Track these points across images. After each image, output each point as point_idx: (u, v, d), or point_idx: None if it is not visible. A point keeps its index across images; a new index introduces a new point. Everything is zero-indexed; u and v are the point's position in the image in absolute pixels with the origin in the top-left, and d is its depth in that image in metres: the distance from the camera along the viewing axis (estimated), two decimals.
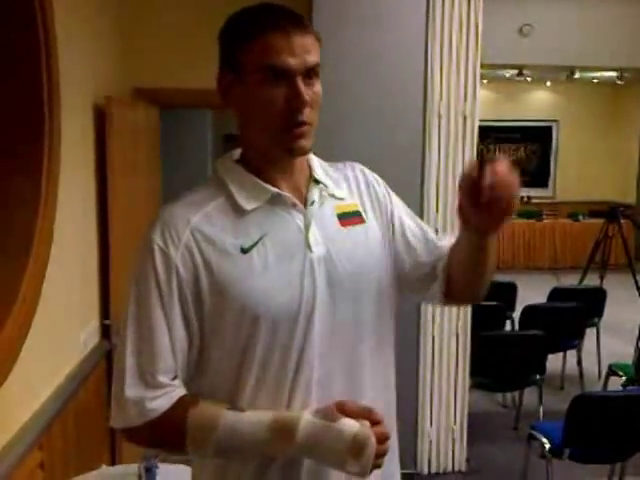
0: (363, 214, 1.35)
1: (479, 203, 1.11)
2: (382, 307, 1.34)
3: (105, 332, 3.21)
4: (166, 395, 1.19)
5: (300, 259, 1.22)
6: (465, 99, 3.85)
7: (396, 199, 1.45)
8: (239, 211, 1.22)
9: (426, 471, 4.02)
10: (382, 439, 1.17)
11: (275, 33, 1.17)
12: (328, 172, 1.35)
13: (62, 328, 2.66)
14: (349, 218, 1.32)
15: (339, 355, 1.26)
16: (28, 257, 2.22)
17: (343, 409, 1.18)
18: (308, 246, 1.24)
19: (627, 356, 5.51)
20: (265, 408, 1.20)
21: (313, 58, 1.20)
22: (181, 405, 1.20)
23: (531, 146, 13.39)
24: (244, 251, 1.19)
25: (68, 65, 2.56)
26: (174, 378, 1.21)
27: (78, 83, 2.83)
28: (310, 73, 1.20)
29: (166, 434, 1.22)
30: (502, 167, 1.12)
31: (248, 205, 1.22)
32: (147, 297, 1.19)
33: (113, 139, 3.12)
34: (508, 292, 5.77)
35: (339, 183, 1.35)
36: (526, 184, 13.27)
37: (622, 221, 8.08)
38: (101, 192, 3.15)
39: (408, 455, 3.96)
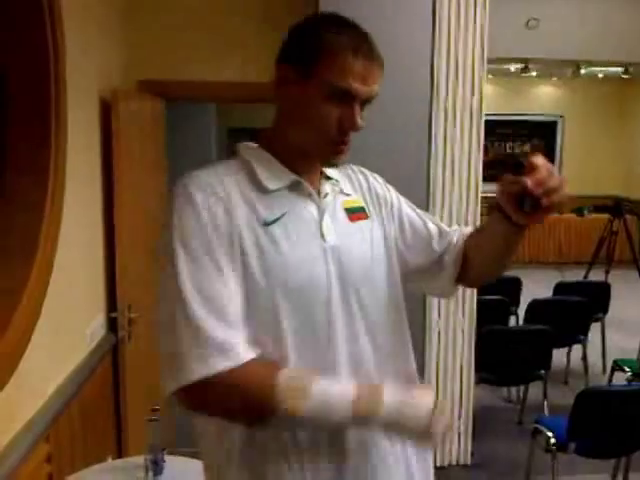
0: (367, 210, 1.41)
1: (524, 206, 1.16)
2: (390, 299, 1.37)
3: (112, 325, 3.22)
4: (244, 344, 1.16)
5: (317, 246, 1.27)
6: (472, 94, 3.84)
7: (396, 193, 1.51)
8: (261, 188, 1.26)
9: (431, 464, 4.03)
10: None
11: (355, 59, 1.21)
12: (334, 170, 1.41)
13: (68, 322, 2.67)
14: (356, 213, 1.38)
15: (362, 335, 1.29)
16: (34, 254, 2.23)
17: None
18: (322, 235, 1.28)
19: (632, 351, 5.50)
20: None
21: (378, 89, 1.26)
22: (262, 363, 1.17)
23: (536, 141, 13.36)
24: (266, 224, 1.22)
25: (75, 59, 2.56)
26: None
27: (84, 77, 2.83)
28: (366, 102, 1.27)
29: (249, 390, 1.16)
30: (544, 172, 1.16)
31: (271, 185, 1.27)
32: (202, 245, 1.17)
33: (119, 132, 3.12)
34: (513, 287, 5.76)
35: (344, 180, 1.42)
36: None
37: (627, 216, 8.07)
38: (107, 185, 3.16)
39: None
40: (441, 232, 1.50)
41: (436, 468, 4.21)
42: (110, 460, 2.67)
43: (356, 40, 1.23)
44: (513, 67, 11.34)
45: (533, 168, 1.17)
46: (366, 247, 1.35)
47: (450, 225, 1.56)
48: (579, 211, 11.59)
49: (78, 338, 2.81)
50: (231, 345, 1.14)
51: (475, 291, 3.98)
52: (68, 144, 2.47)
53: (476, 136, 3.89)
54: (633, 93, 12.87)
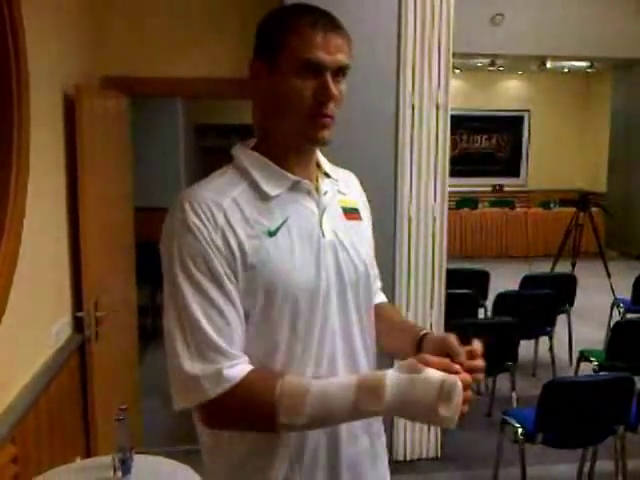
0: (359, 212, 1.48)
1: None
2: (369, 297, 1.45)
3: (78, 325, 3.18)
4: (241, 365, 1.21)
5: (316, 242, 1.31)
6: (438, 88, 3.86)
7: (369, 215, 1.56)
8: (263, 196, 1.29)
9: (402, 457, 4.06)
10: (466, 386, 1.19)
11: (314, 30, 1.26)
12: (331, 168, 1.45)
13: (33, 321, 2.63)
14: (351, 213, 1.44)
15: (355, 332, 1.36)
16: None
17: (425, 361, 1.20)
18: (321, 232, 1.33)
19: (598, 342, 5.60)
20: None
21: (345, 58, 1.29)
22: (262, 375, 1.22)
23: (503, 135, 13.51)
24: (271, 234, 1.26)
25: (36, 53, 2.52)
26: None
27: (47, 71, 2.78)
28: (339, 72, 1.28)
29: (253, 404, 1.21)
30: (477, 354, 1.28)
31: (272, 191, 1.30)
32: (201, 272, 1.21)
33: (83, 128, 3.08)
34: (481, 280, 5.82)
35: (341, 180, 1.47)
36: (498, 173, 13.41)
37: (593, 209, 8.19)
38: (71, 182, 3.11)
39: None
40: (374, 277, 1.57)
41: (406, 462, 4.25)
42: (79, 460, 2.63)
43: (314, 16, 1.28)
44: (480, 62, 11.46)
45: (473, 356, 1.27)
46: (357, 246, 1.40)
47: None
48: (546, 205, 11.78)
49: (44, 337, 2.77)
50: (221, 371, 1.19)
51: (444, 284, 4.01)
52: (31, 139, 2.44)
53: (443, 131, 3.91)
54: (598, 87, 13.07)
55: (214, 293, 1.21)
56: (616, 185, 11.81)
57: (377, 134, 3.74)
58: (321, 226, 1.33)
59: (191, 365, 1.19)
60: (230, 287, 1.22)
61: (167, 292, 1.24)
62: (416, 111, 3.85)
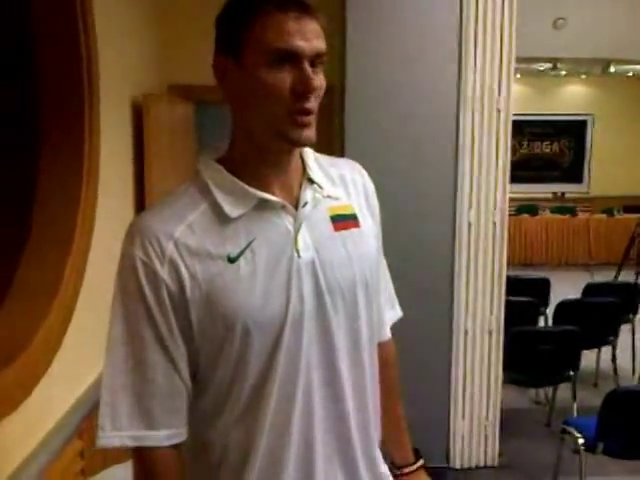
0: (359, 217, 1.27)
1: None
2: (372, 314, 1.28)
3: None
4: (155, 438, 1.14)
5: (287, 265, 1.14)
6: (499, 93, 3.84)
7: (378, 220, 1.37)
8: (225, 218, 1.14)
9: (458, 466, 4.03)
10: None
11: (285, 14, 1.07)
12: (324, 168, 1.26)
13: (104, 317, 2.71)
14: (343, 221, 1.24)
15: (328, 363, 1.19)
16: (70, 250, 2.28)
17: None
18: (297, 250, 1.16)
19: None
20: (266, 420, 1.14)
21: (322, 44, 1.11)
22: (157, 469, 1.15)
23: (565, 141, 13.24)
24: (231, 260, 1.12)
25: (106, 63, 2.61)
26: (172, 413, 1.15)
27: (116, 81, 2.88)
28: (316, 61, 1.11)
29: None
30: None
31: (233, 212, 1.14)
32: (137, 318, 1.12)
33: (150, 135, 3.18)
34: (541, 288, 5.73)
35: (335, 181, 1.27)
36: (560, 179, 13.16)
37: None
38: (139, 188, 3.21)
39: (440, 450, 3.97)
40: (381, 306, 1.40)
41: (463, 469, 4.21)
42: None
43: None
44: (542, 66, 11.28)
45: None
46: (352, 258, 1.21)
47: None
48: (609, 211, 11.50)
49: None
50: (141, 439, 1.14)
51: (504, 291, 3.98)
52: (101, 147, 2.53)
53: (504, 136, 3.88)
54: None
55: (150, 343, 1.12)
56: None
57: (438, 139, 3.74)
58: (296, 245, 1.15)
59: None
60: (173, 327, 1.12)
61: (111, 328, 1.16)
62: (477, 116, 3.83)
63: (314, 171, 1.23)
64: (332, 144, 3.68)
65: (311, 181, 1.21)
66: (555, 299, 5.20)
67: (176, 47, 3.89)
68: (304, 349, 1.15)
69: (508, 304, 4.03)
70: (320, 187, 1.22)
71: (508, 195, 3.94)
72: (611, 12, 9.36)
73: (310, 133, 1.12)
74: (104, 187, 2.58)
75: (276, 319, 1.13)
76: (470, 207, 3.87)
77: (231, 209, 1.14)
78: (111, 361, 1.14)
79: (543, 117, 12.85)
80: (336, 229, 1.21)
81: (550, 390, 4.83)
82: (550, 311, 5.32)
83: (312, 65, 1.10)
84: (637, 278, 7.02)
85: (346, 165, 1.33)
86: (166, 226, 1.12)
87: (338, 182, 1.27)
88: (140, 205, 3.22)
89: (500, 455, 4.09)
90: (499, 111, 3.85)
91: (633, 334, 5.77)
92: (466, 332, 3.93)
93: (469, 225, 3.87)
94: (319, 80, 1.11)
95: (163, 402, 1.13)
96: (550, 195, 12.67)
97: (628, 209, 10.89)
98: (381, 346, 1.37)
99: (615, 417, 3.15)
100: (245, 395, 1.14)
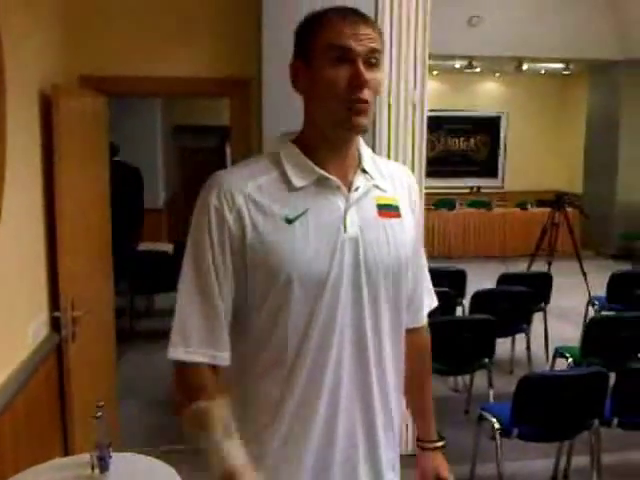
0: (401, 209, 1.47)
1: None
2: (400, 299, 1.46)
3: (55, 324, 3.16)
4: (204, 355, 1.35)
5: (335, 236, 1.35)
6: (414, 87, 3.89)
7: (419, 219, 1.57)
8: (290, 187, 1.37)
9: None
10: None
11: (343, 21, 1.32)
12: (377, 164, 1.48)
13: (9, 320, 2.62)
14: (387, 210, 1.44)
15: (358, 326, 1.39)
16: None
17: None
18: (344, 226, 1.36)
19: (574, 340, 5.65)
20: (305, 365, 1.34)
21: (375, 45, 1.34)
22: (202, 385, 1.35)
23: (481, 137, 13.59)
24: (288, 221, 1.33)
25: (13, 53, 2.51)
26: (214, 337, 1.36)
27: (23, 71, 2.78)
28: (371, 60, 1.33)
29: (182, 398, 1.36)
30: None
31: (298, 182, 1.36)
32: (202, 247, 1.34)
33: (60, 127, 3.07)
34: (458, 279, 5.86)
35: (385, 176, 1.48)
36: (476, 174, 13.50)
37: (568, 209, 8.28)
38: (48, 182, 3.10)
39: None
40: (417, 296, 1.62)
41: None
42: (56, 459, 2.62)
43: (345, 11, 1.35)
44: (457, 63, 11.53)
45: None
46: (391, 244, 1.41)
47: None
48: (522, 205, 11.88)
49: (20, 337, 2.76)
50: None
51: None
52: (7, 140, 2.43)
53: (419, 130, 3.94)
54: (574, 89, 13.20)
55: (212, 281, 1.34)
56: (592, 186, 11.93)
57: None
58: (345, 222, 1.36)
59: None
60: (227, 259, 1.34)
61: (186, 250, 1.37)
62: (392, 111, 3.88)
63: (368, 163, 1.45)
64: (250, 134, 3.67)
65: (364, 171, 1.43)
66: (472, 290, 5.33)
67: (86, 36, 3.77)
68: (340, 311, 1.35)
69: None
70: (371, 177, 1.43)
71: (424, 190, 4.00)
72: (524, 11, 9.64)
73: (363, 120, 1.34)
74: (10, 181, 2.48)
75: (318, 279, 1.33)
76: None
77: (296, 180, 1.37)
78: (181, 286, 1.37)
79: (459, 113, 13.14)
80: (380, 215, 1.42)
81: (467, 378, 4.95)
82: (466, 301, 5.45)
83: (369, 65, 1.32)
84: (549, 268, 7.27)
85: (397, 166, 1.57)
86: (240, 182, 1.36)
87: (387, 177, 1.48)
88: (50, 201, 3.11)
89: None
90: (414, 105, 3.91)
91: (545, 322, 5.98)
92: None
93: None
94: (372, 75, 1.33)
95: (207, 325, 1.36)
96: (467, 190, 12.98)
97: (541, 203, 11.27)
98: (418, 330, 1.63)
99: (528, 402, 3.26)
100: (284, 343, 1.35)
